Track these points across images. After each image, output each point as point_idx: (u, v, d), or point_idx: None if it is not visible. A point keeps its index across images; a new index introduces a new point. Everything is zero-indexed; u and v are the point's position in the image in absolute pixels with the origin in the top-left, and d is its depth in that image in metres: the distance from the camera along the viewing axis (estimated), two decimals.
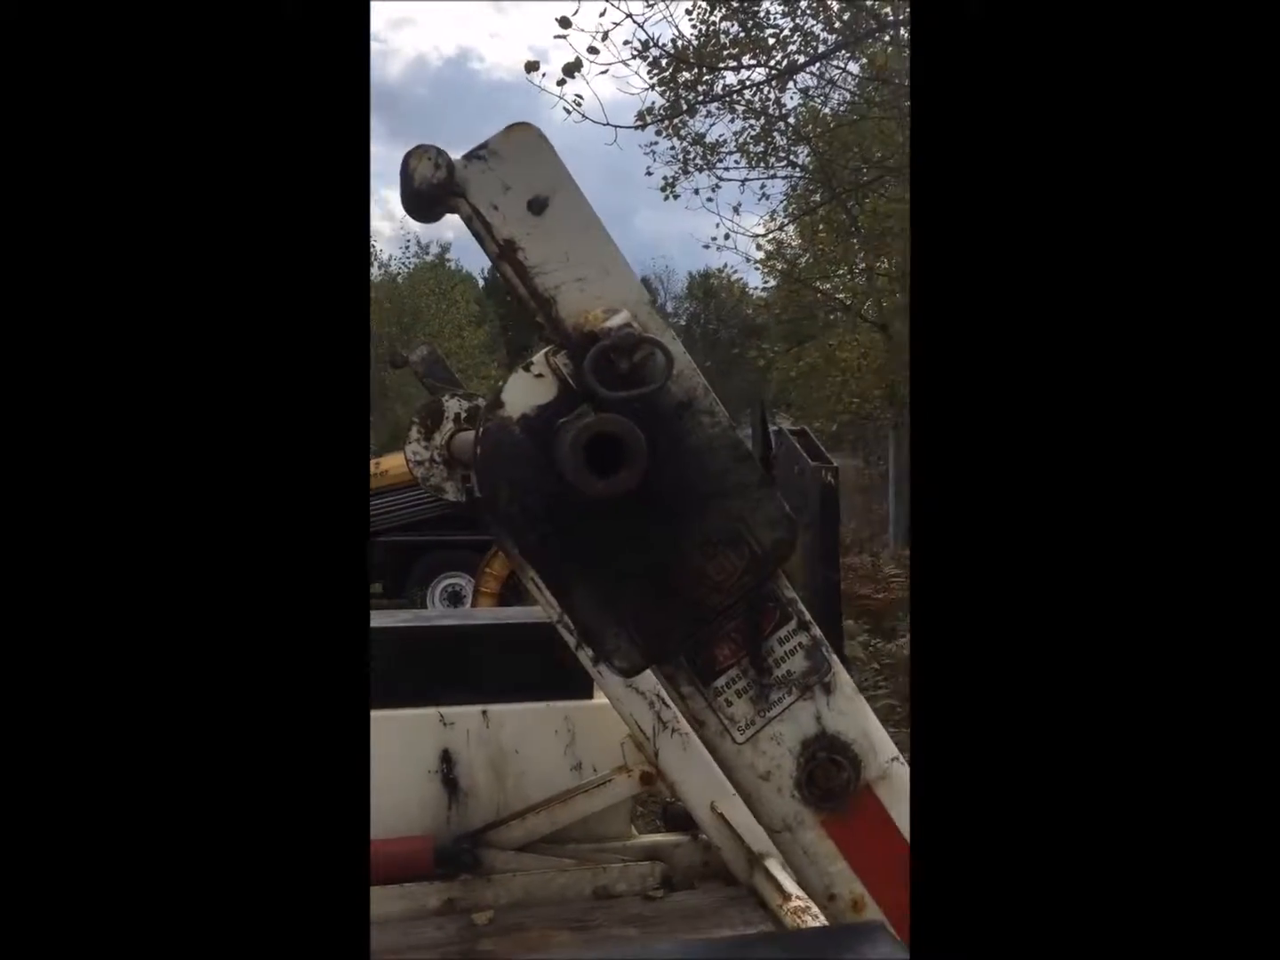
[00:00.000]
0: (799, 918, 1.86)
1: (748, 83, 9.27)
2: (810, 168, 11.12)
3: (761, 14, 9.17)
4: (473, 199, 0.67)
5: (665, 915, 2.05)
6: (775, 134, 10.98)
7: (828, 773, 0.78)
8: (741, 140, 11.44)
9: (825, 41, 9.17)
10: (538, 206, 0.66)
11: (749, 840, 1.98)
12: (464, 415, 1.58)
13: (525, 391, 0.66)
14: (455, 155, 0.70)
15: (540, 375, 0.66)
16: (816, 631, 0.81)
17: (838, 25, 8.93)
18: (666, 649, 0.70)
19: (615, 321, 0.64)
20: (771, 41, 9.00)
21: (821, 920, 1.82)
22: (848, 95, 10.81)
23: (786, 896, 1.93)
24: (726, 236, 13.36)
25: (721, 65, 8.88)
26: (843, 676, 0.84)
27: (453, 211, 0.70)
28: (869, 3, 8.34)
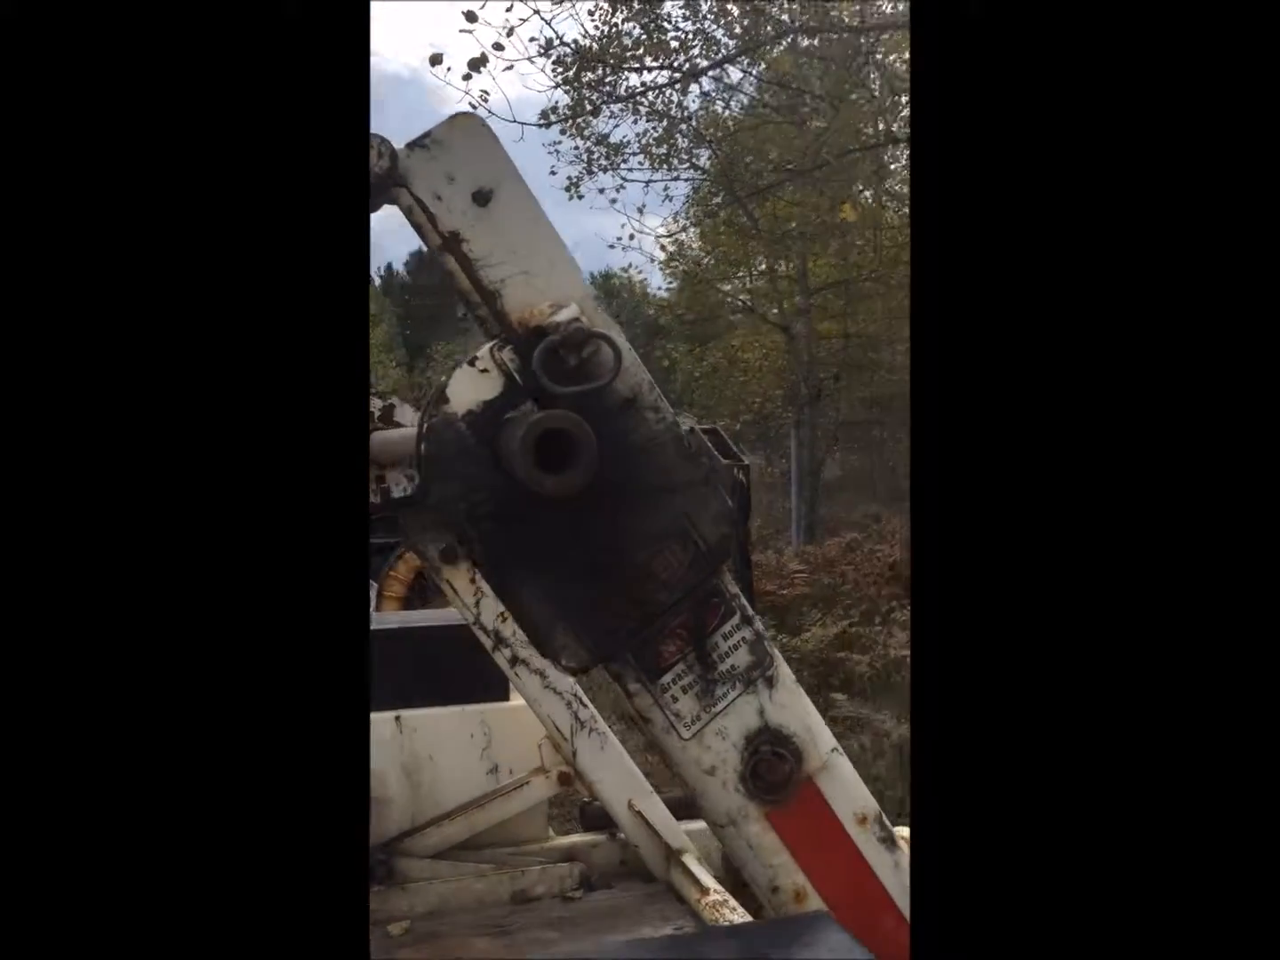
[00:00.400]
0: (717, 911, 1.88)
1: (650, 85, 9.33)
2: (712, 171, 11.28)
3: (664, 16, 9.25)
4: (416, 189, 0.65)
5: (585, 916, 2.05)
6: (678, 136, 11.10)
7: (771, 766, 0.79)
8: (644, 142, 11.53)
9: (726, 46, 9.32)
10: (482, 198, 0.65)
11: (667, 837, 2.00)
12: (377, 415, 1.57)
13: (470, 387, 0.65)
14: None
15: (485, 370, 0.66)
16: (759, 625, 0.82)
17: (738, 30, 9.08)
18: (614, 647, 0.70)
19: (563, 316, 0.63)
20: (675, 45, 9.08)
21: (740, 914, 1.85)
22: (746, 100, 11.03)
23: (704, 891, 1.95)
24: (631, 237, 13.42)
25: (625, 66, 8.91)
26: (784, 670, 0.85)
27: (391, 202, 0.68)
28: (770, 9, 8.51)
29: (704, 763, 0.76)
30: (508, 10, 8.48)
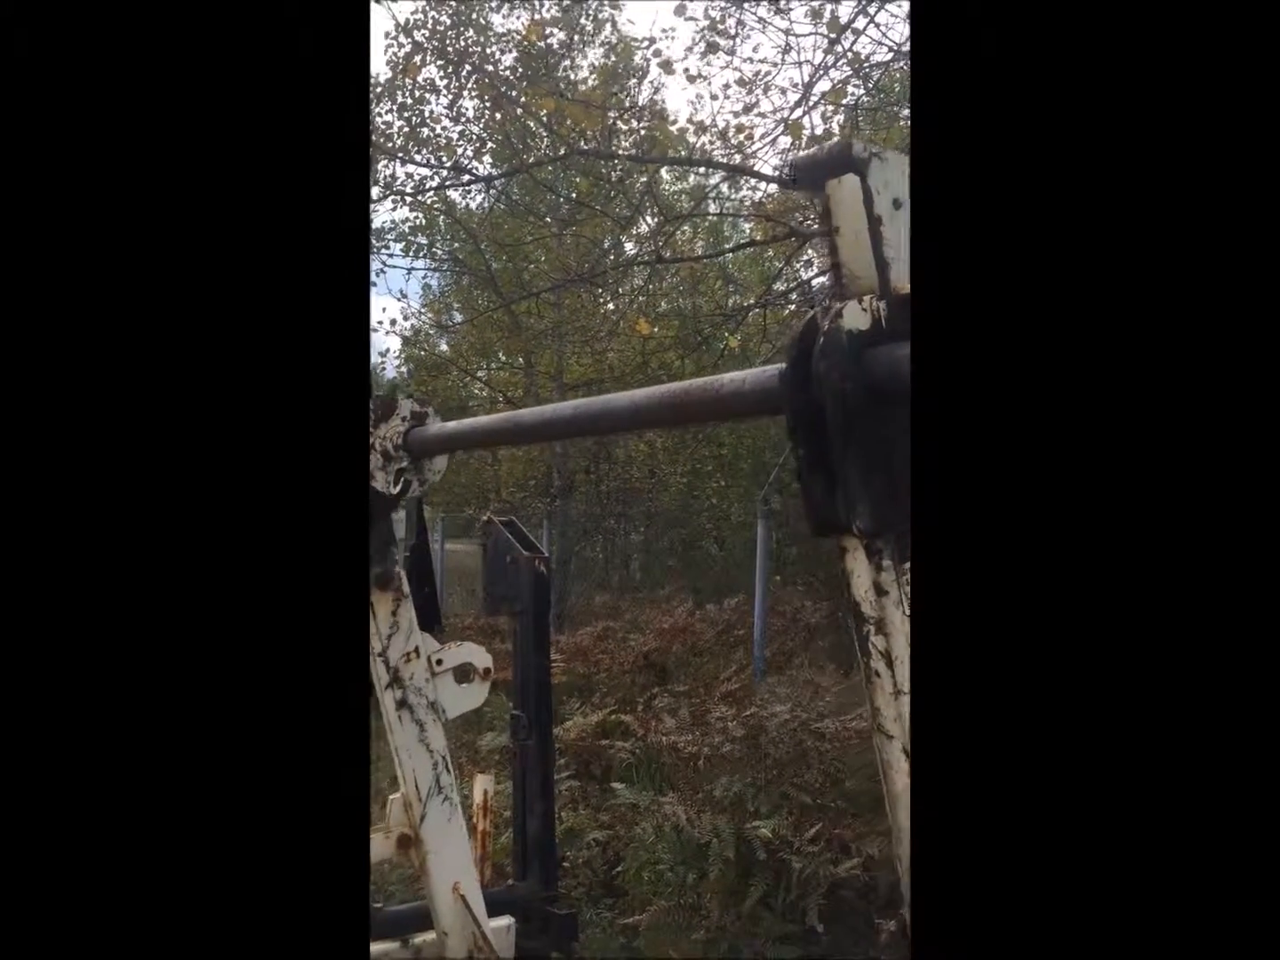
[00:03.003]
0: None
1: (412, 175, 9.48)
2: (472, 266, 11.51)
3: (429, 115, 9.48)
4: (870, 180, 0.84)
5: None
6: (437, 228, 11.25)
7: None
8: (402, 230, 11.57)
9: (492, 150, 9.68)
10: (897, 205, 0.86)
11: (483, 926, 1.96)
12: (410, 416, 1.63)
13: (855, 317, 0.85)
14: None
15: (865, 310, 0.85)
16: None
17: (502, 139, 9.48)
18: (901, 523, 0.84)
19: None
20: (443, 142, 9.31)
21: None
22: (506, 200, 11.44)
23: None
24: (394, 322, 13.29)
25: (386, 156, 8.98)
26: None
27: (832, 176, 0.85)
28: (537, 129, 8.99)
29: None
30: None
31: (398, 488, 1.67)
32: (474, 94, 8.81)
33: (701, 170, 7.93)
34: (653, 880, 3.60)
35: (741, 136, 6.40)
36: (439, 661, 1.87)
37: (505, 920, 2.12)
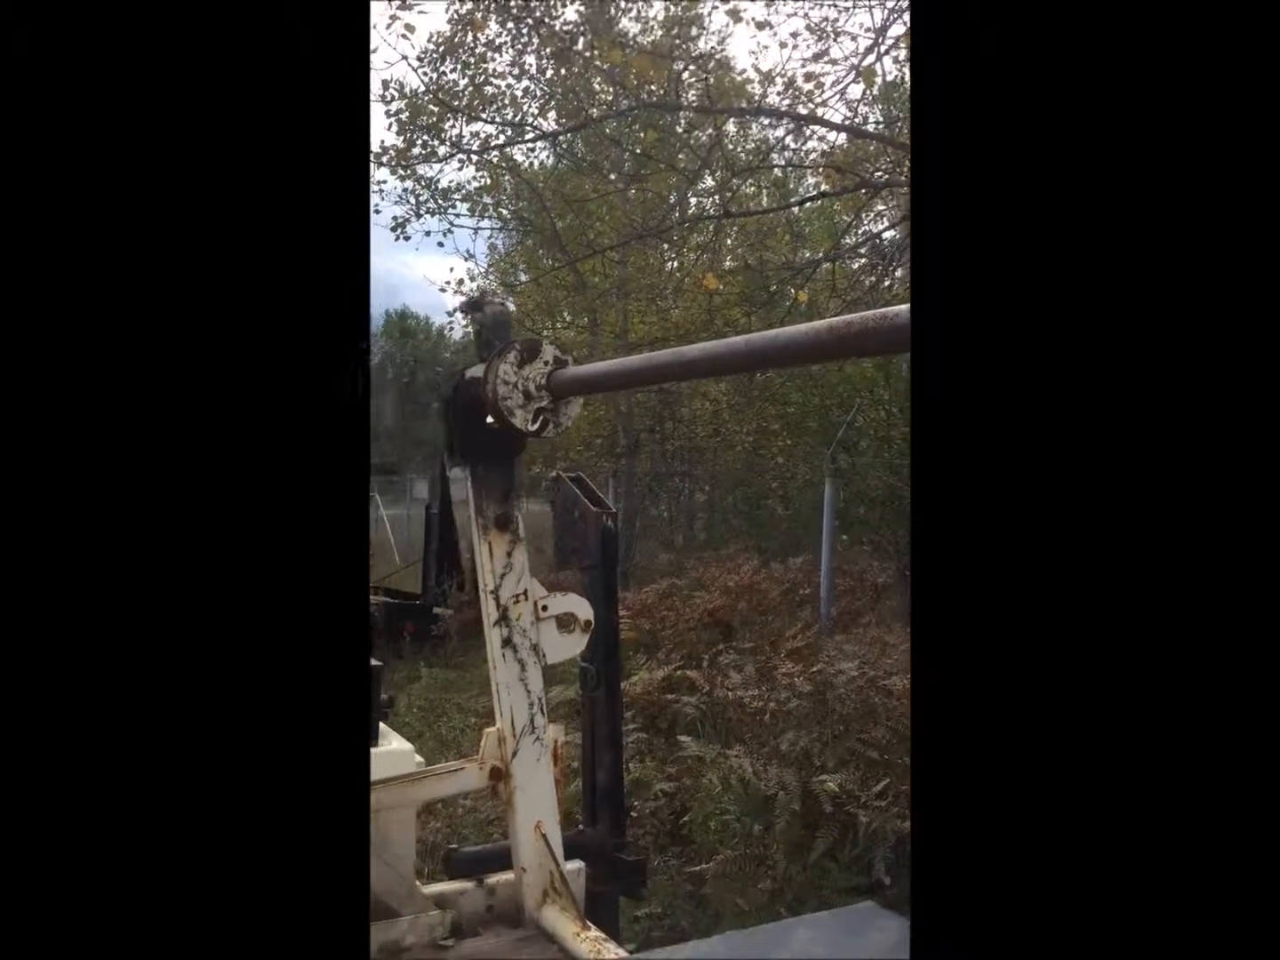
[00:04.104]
0: (598, 948, 1.92)
1: (478, 134, 9.46)
2: (538, 225, 11.48)
3: (491, 72, 9.43)
4: None
5: None
6: (503, 187, 11.25)
7: None
8: (469, 190, 11.61)
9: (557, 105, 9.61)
10: None
11: (562, 866, 2.02)
12: (553, 360, 1.73)
13: None
14: None
15: None
16: None
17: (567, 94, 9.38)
18: None
19: None
20: (507, 99, 9.27)
21: (620, 953, 1.89)
22: (572, 158, 11.35)
23: (586, 927, 1.98)
24: (460, 282, 13.42)
25: (453, 115, 8.98)
26: None
27: None
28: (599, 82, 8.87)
29: None
30: (373, 51, 8.38)
31: (535, 425, 1.74)
32: (537, 50, 8.74)
33: (768, 122, 7.76)
34: (719, 830, 3.65)
35: (811, 85, 6.23)
36: (544, 608, 1.94)
37: (576, 864, 2.17)
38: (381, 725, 2.36)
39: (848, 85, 5.88)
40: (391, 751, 2.26)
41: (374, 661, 2.41)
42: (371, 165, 8.84)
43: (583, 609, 2.04)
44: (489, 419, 1.79)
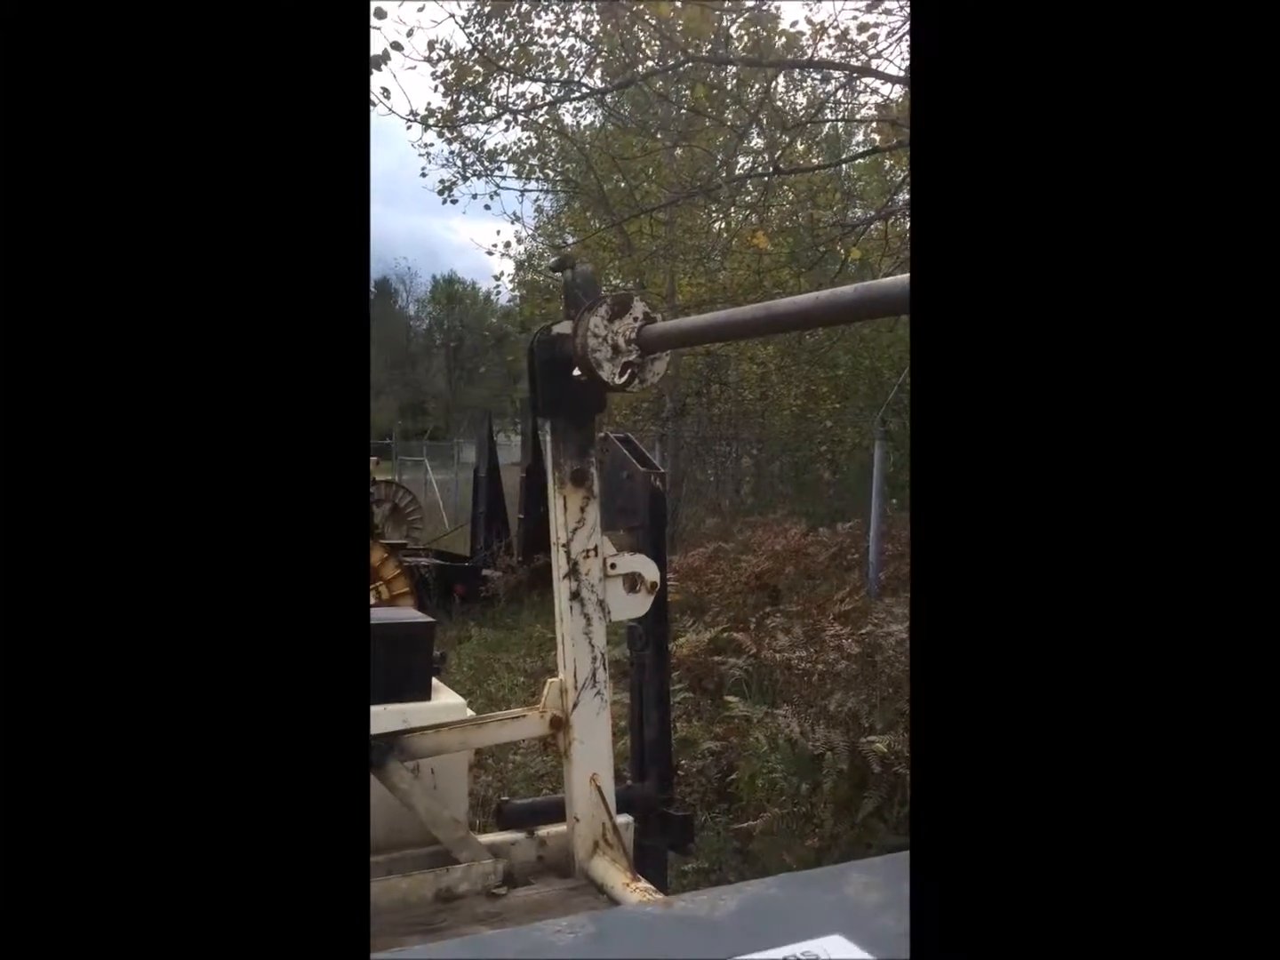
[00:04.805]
0: (648, 897, 1.95)
1: (524, 95, 9.40)
2: (582, 185, 11.41)
3: (535, 31, 9.33)
4: None
5: (512, 911, 2.07)
6: (549, 149, 11.18)
7: None
8: (515, 152, 11.55)
9: (603, 63, 9.48)
10: None
11: (613, 816, 2.05)
12: (642, 316, 1.76)
13: None
14: None
15: None
16: None
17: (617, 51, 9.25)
18: None
19: None
20: (551, 59, 9.17)
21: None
22: (618, 116, 11.22)
23: (635, 878, 2.02)
24: (507, 244, 13.44)
25: (499, 75, 8.92)
26: None
27: None
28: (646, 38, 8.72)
29: None
30: (419, 10, 8.36)
31: (622, 378, 1.76)
32: (584, 6, 8.62)
33: (818, 76, 7.57)
34: (766, 789, 3.68)
35: (864, 36, 6.06)
36: (613, 566, 1.96)
37: (624, 818, 2.20)
38: (435, 680, 2.41)
39: (904, 35, 5.69)
40: (445, 705, 2.31)
41: (428, 618, 2.46)
42: (418, 128, 8.85)
43: (650, 570, 2.06)
44: (575, 372, 1.80)
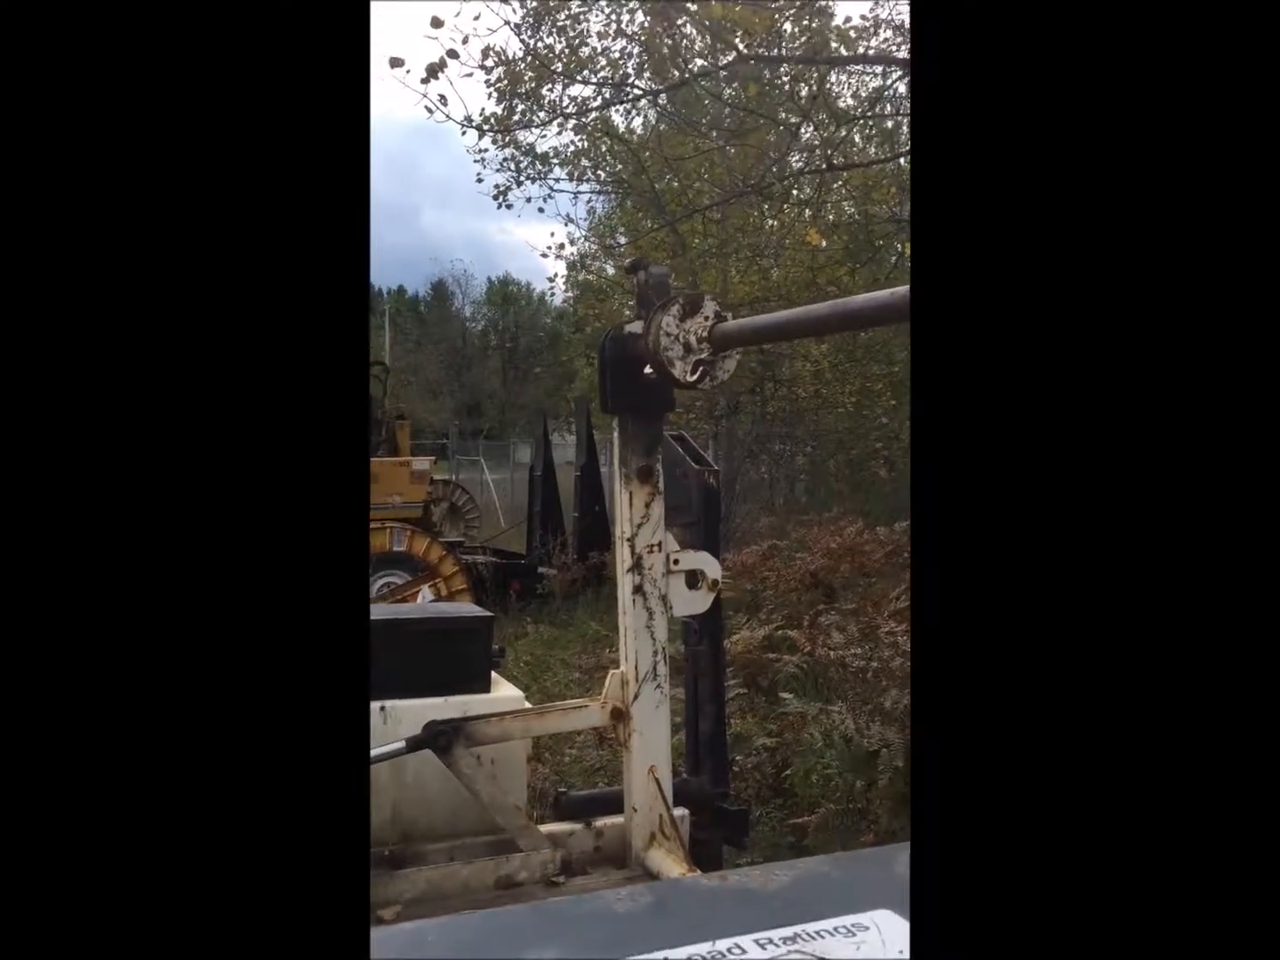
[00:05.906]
0: None
1: (575, 98, 9.46)
2: (635, 186, 11.44)
3: (585, 32, 9.39)
4: None
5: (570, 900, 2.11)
6: (600, 151, 11.24)
7: None
8: (567, 155, 11.64)
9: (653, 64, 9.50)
10: None
11: (670, 808, 2.08)
12: (714, 315, 1.79)
13: None
14: None
15: None
16: None
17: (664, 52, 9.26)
18: None
19: None
20: (602, 62, 9.22)
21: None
22: (669, 117, 11.23)
23: (691, 869, 2.05)
24: (561, 246, 13.57)
25: (549, 78, 9.00)
26: None
27: None
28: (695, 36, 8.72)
29: None
30: (475, 19, 8.52)
31: (694, 376, 1.79)
32: (634, 7, 8.65)
33: (875, 70, 7.49)
34: (821, 784, 3.68)
35: None
36: (676, 561, 2.00)
37: (680, 811, 2.23)
38: (493, 674, 2.46)
39: None
40: (504, 697, 2.36)
41: (487, 613, 2.51)
42: (473, 134, 8.98)
43: (712, 567, 2.08)
44: (647, 369, 1.83)
